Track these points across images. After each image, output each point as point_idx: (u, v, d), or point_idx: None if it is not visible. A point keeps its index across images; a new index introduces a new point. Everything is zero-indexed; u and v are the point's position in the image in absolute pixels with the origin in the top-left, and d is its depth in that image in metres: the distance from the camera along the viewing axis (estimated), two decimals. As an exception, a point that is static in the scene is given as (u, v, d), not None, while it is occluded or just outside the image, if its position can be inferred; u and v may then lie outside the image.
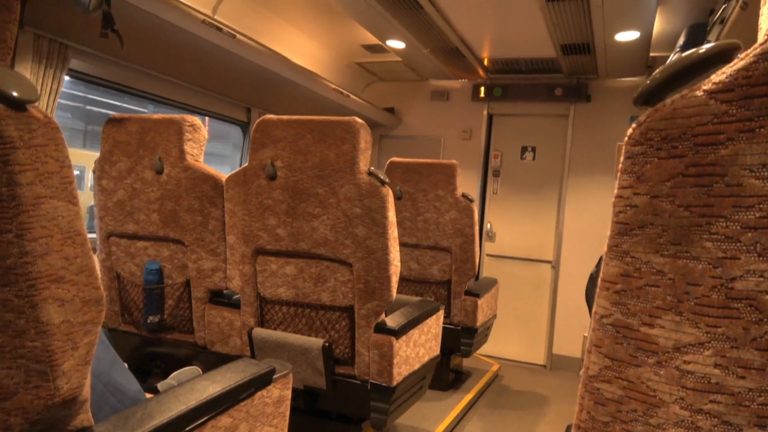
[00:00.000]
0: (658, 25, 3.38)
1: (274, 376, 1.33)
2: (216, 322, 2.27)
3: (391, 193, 1.96)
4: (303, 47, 4.03)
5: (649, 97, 0.50)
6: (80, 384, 0.88)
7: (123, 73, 2.97)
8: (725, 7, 2.35)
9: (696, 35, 2.84)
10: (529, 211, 4.58)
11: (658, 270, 0.48)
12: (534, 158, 4.60)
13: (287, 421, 1.45)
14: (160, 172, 2.26)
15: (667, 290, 0.48)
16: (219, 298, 2.30)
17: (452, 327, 3.26)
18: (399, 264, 2.03)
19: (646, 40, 3.44)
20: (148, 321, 2.33)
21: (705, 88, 0.45)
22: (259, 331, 2.10)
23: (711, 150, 0.45)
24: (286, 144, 2.02)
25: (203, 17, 2.64)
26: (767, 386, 0.45)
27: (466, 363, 4.07)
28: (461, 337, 3.25)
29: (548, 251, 4.52)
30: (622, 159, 0.51)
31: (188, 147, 2.24)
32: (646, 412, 0.50)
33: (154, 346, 2.42)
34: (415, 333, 2.15)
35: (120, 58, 2.86)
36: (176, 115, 2.28)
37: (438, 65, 4.28)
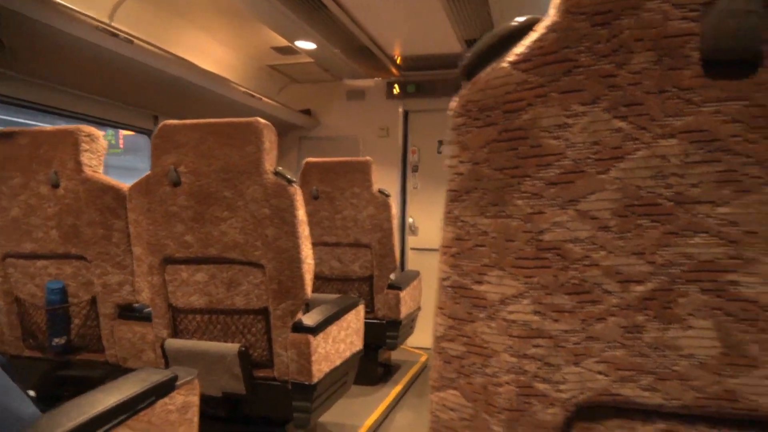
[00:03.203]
0: (553, 18, 3.56)
1: (177, 383, 1.31)
2: (127, 337, 2.18)
3: (299, 191, 1.96)
4: (211, 52, 3.94)
5: (468, 71, 0.54)
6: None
7: (12, 84, 2.80)
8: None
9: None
10: (449, 204, 4.69)
11: (483, 231, 0.52)
12: (450, 152, 4.72)
13: (196, 428, 1.42)
14: (56, 186, 2.15)
15: (491, 249, 0.52)
16: (129, 312, 2.22)
17: (377, 321, 3.29)
18: (312, 262, 2.03)
19: (543, 33, 3.61)
20: (54, 343, 2.21)
21: (509, 59, 0.49)
22: (173, 342, 2.04)
23: (516, 116, 0.49)
24: (188, 149, 1.98)
25: (97, 23, 2.54)
26: (578, 327, 0.49)
27: (395, 356, 4.12)
28: (387, 331, 3.29)
29: (470, 241, 4.65)
30: (449, 131, 0.54)
31: (85, 158, 2.15)
32: (483, 364, 0.53)
33: (62, 369, 2.30)
34: (333, 329, 2.16)
35: (8, 68, 2.69)
36: (71, 126, 2.18)
37: (350, 65, 4.32)
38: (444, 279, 0.55)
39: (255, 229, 1.94)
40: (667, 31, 0.43)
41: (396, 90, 4.73)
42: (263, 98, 4.04)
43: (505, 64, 0.50)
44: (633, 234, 0.46)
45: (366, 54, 4.07)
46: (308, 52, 3.98)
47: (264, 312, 2.01)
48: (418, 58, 4.28)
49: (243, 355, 1.95)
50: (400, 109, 4.81)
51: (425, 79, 4.67)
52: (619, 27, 0.44)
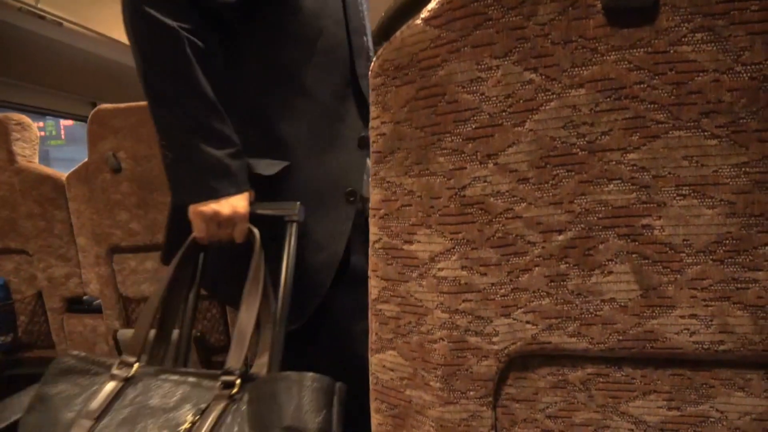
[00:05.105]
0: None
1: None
2: (78, 330, 2.12)
3: (246, 171, 1.93)
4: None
5: (385, 31, 0.54)
6: None
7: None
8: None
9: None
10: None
11: (408, 190, 0.52)
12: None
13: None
14: (-12, 178, 2.05)
15: (417, 208, 0.52)
16: (78, 305, 2.15)
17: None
18: None
19: None
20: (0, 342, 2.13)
21: (422, 16, 0.49)
22: (125, 332, 2.00)
23: (432, 72, 0.49)
24: (126, 133, 1.91)
25: (20, 5, 2.41)
26: (505, 279, 0.50)
27: (360, 333, 4.15)
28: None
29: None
30: (370, 92, 0.54)
31: (18, 147, 2.05)
32: (418, 322, 0.54)
33: (11, 368, 2.23)
34: (291, 308, 2.15)
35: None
36: None
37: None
38: (376, 241, 0.56)
39: (203, 212, 1.90)
40: (570, -20, 0.43)
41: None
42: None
43: (418, 21, 0.49)
44: (550, 184, 0.47)
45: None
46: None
47: (218, 295, 1.99)
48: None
49: (199, 341, 1.92)
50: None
51: (373, 53, 4.63)
52: None
